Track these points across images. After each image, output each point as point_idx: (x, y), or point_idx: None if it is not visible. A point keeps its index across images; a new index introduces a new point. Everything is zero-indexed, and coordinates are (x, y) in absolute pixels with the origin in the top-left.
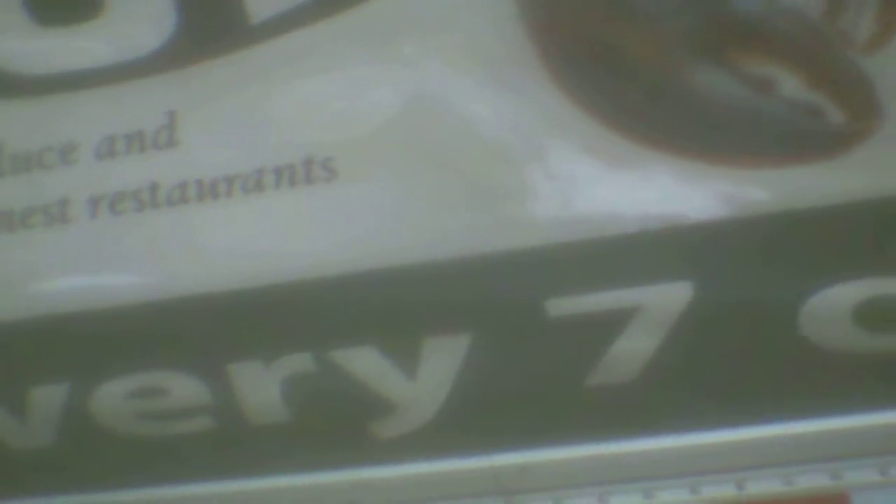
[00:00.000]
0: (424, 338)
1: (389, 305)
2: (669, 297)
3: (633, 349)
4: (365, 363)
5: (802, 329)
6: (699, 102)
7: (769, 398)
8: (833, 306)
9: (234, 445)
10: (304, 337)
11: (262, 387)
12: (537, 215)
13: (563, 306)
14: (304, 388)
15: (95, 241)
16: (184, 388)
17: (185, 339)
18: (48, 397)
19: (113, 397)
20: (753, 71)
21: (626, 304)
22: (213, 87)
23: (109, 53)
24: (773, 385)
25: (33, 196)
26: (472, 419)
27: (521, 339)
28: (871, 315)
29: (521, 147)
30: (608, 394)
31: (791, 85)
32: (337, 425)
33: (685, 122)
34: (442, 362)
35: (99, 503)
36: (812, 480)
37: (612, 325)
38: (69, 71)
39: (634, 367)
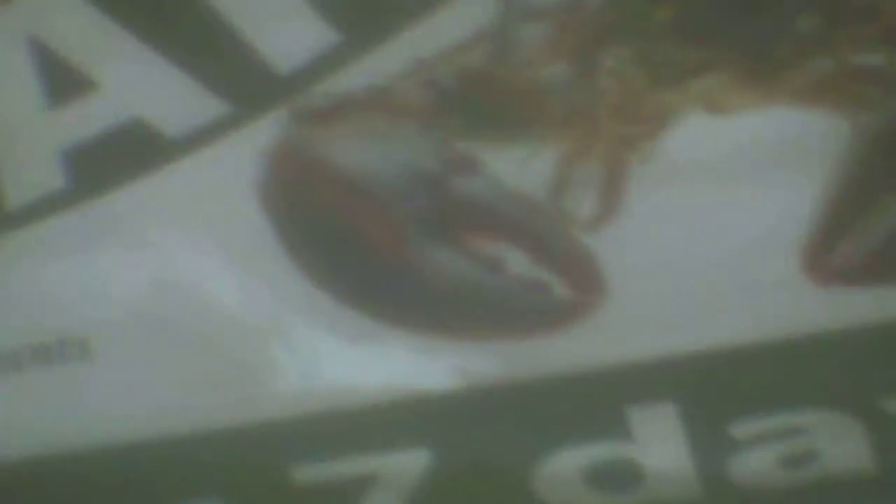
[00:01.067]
0: None
1: (140, 479)
2: (407, 464)
3: None
4: None
5: (537, 492)
6: (433, 281)
7: None
8: (564, 469)
9: None
10: None
11: None
12: (282, 389)
13: (307, 474)
14: None
15: None
16: None
17: None
18: None
19: None
20: (483, 251)
21: (366, 472)
22: None
23: None
24: None
25: None
26: None
27: None
28: (600, 476)
29: (266, 325)
30: None
31: (519, 263)
32: None
33: (420, 300)
34: None
35: None
36: None
37: (354, 491)
38: None
39: None
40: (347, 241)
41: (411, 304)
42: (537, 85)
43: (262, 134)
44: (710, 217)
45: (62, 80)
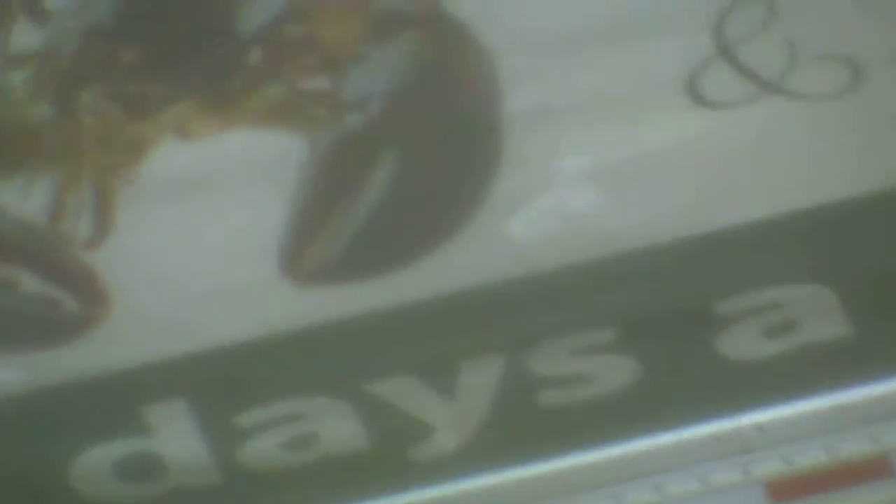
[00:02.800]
0: None
1: None
2: None
3: None
4: None
5: (77, 489)
6: None
7: None
8: (97, 467)
9: None
10: None
11: None
12: None
13: None
14: None
15: None
16: None
17: None
18: None
19: None
20: None
21: None
22: None
23: None
24: None
25: None
26: None
27: None
28: (128, 470)
29: None
30: None
31: (31, 282)
32: None
33: None
34: None
35: None
36: None
37: None
38: None
39: None
40: None
41: None
42: (27, 124)
43: None
44: (194, 229)
45: None
